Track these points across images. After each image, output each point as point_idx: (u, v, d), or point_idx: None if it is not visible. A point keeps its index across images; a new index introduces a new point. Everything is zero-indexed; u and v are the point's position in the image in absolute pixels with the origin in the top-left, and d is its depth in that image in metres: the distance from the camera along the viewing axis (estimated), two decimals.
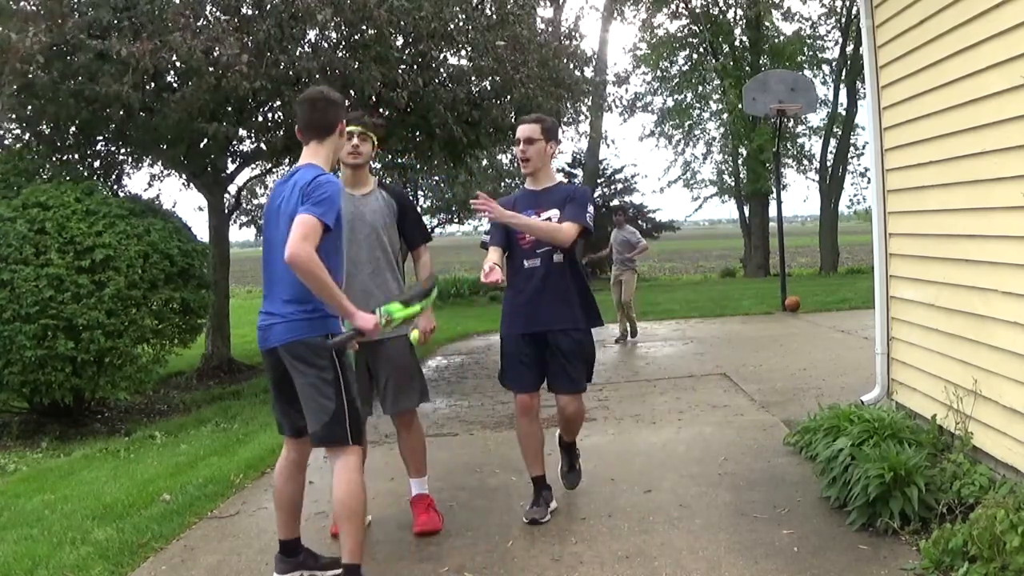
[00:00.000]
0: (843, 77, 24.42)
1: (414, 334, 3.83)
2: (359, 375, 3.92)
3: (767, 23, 25.61)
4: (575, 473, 4.30)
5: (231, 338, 10.60)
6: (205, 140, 8.88)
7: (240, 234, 73.31)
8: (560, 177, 4.16)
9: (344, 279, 3.87)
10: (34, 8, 7.50)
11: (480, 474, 4.91)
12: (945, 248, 4.18)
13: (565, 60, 10.21)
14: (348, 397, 3.17)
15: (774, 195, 18.92)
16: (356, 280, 3.86)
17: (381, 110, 8.83)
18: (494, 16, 9.40)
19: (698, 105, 27.66)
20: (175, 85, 8.36)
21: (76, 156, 9.34)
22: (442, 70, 9.21)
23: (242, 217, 14.53)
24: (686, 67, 27.25)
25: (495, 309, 18.61)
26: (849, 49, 23.76)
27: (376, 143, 4.02)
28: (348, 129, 3.82)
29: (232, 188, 11.64)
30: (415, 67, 8.82)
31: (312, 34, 8.61)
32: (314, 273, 2.95)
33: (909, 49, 4.42)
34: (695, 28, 26.13)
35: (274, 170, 12.28)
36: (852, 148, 25.20)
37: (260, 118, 9.26)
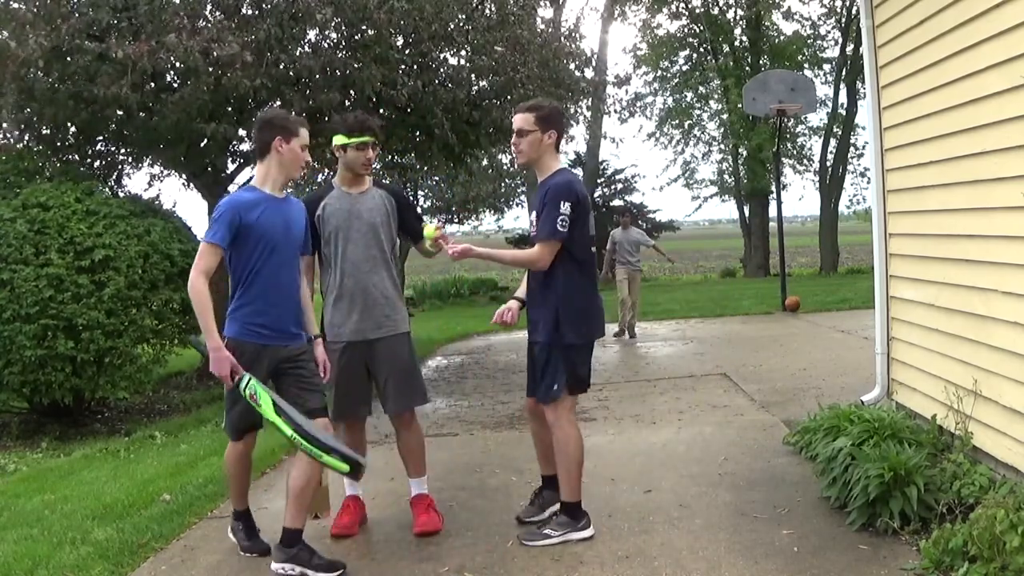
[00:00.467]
0: (843, 77, 24.41)
1: (431, 228, 3.71)
2: (357, 374, 3.93)
3: (767, 23, 25.62)
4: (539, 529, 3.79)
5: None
6: (205, 140, 8.87)
7: None
8: (559, 165, 3.76)
9: (337, 277, 3.87)
10: (33, 11, 7.49)
11: (480, 474, 4.91)
12: (945, 248, 4.18)
13: (565, 61, 10.20)
14: (227, 396, 3.55)
15: (774, 195, 18.93)
16: (353, 278, 3.86)
17: (381, 110, 8.83)
18: (494, 17, 9.40)
19: (698, 105, 27.67)
20: (174, 85, 8.36)
21: (76, 157, 9.34)
22: (442, 71, 9.20)
23: None
24: (686, 67, 27.26)
25: (495, 309, 18.60)
26: (849, 49, 23.76)
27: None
28: (363, 140, 3.83)
29: (232, 188, 11.63)
30: (415, 67, 8.82)
31: (312, 34, 8.61)
32: (192, 297, 3.39)
33: (909, 49, 4.42)
34: (695, 28, 26.14)
35: None
36: (852, 148, 25.22)
37: None
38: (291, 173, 3.61)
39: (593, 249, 3.85)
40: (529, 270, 3.79)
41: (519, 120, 3.72)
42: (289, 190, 3.88)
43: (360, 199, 3.92)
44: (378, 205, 3.94)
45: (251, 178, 3.79)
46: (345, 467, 3.34)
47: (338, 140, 3.87)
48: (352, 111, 8.54)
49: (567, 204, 3.57)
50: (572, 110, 11.64)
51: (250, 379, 3.35)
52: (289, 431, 3.29)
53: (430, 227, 3.72)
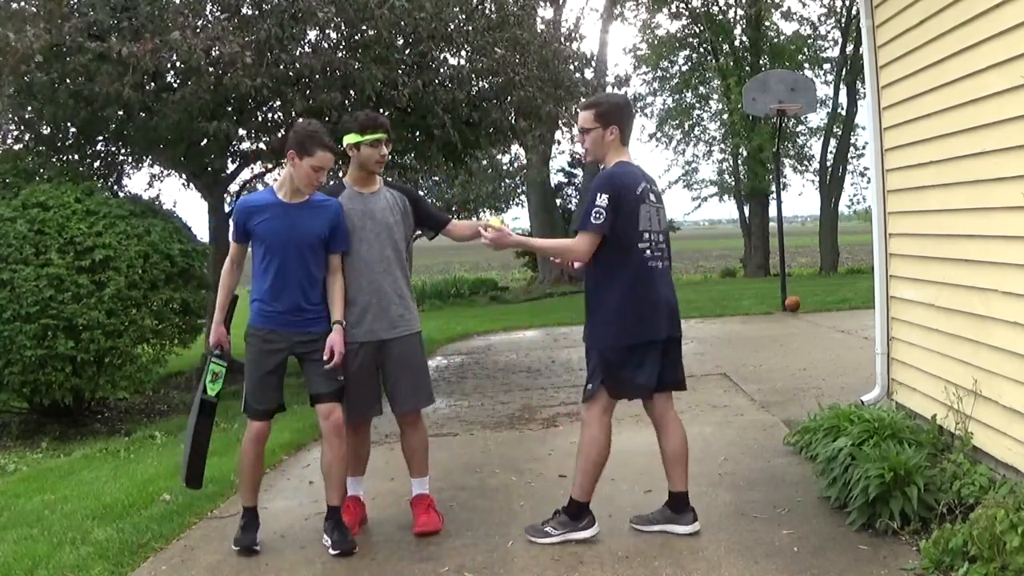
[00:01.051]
0: (843, 77, 24.41)
1: (497, 219, 3.75)
2: (369, 374, 3.94)
3: (767, 23, 25.61)
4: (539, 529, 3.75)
5: (232, 338, 10.57)
6: (205, 140, 8.87)
7: None
8: (618, 158, 3.65)
9: (351, 277, 3.89)
10: (33, 9, 7.50)
11: (480, 474, 4.91)
12: (945, 248, 4.18)
13: (565, 62, 10.20)
14: (245, 380, 3.85)
15: (774, 195, 18.92)
16: (367, 278, 3.87)
17: (381, 110, 8.83)
18: (494, 17, 9.40)
19: (698, 105, 27.66)
20: (175, 85, 8.36)
21: (76, 156, 9.34)
22: (442, 71, 9.21)
23: None
24: (686, 67, 27.26)
25: (495, 309, 18.68)
26: (849, 49, 23.75)
27: None
28: (377, 136, 3.86)
29: (233, 188, 11.63)
30: (415, 67, 8.82)
31: (312, 34, 8.61)
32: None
33: (909, 49, 4.42)
34: (695, 28, 26.13)
35: (274, 170, 12.28)
36: (852, 148, 25.21)
37: (260, 118, 9.26)
38: (300, 187, 3.78)
39: (659, 243, 3.63)
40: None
41: (581, 118, 3.70)
42: None
43: (372, 199, 3.92)
44: (391, 205, 3.94)
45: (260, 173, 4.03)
46: (182, 481, 3.98)
47: (351, 139, 3.87)
48: (353, 110, 8.57)
49: (604, 196, 3.48)
50: (572, 111, 11.64)
51: (213, 364, 3.93)
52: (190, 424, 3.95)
53: (496, 218, 3.77)
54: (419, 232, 4.33)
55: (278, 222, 3.76)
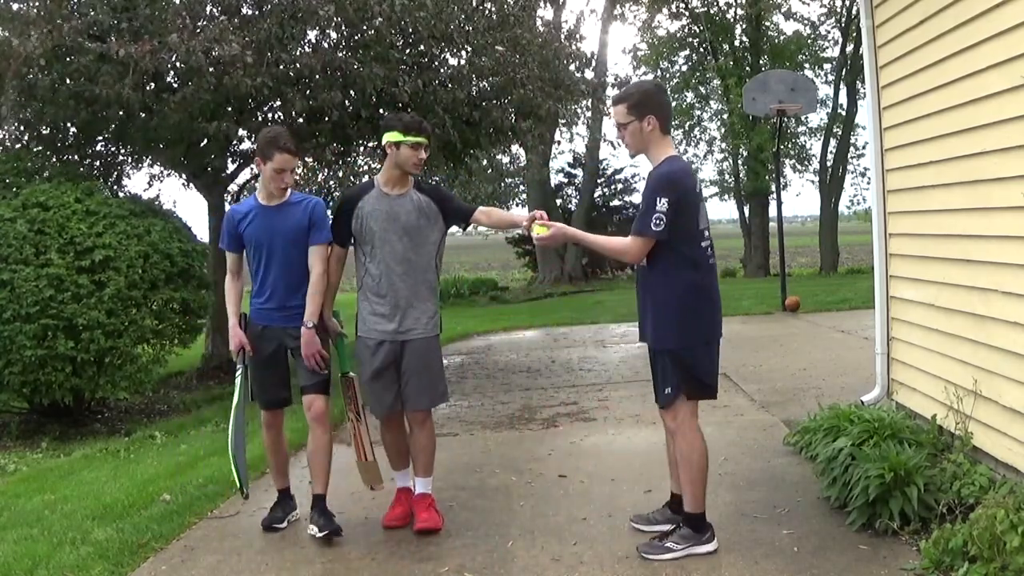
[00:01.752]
0: (843, 77, 24.42)
1: (540, 227, 3.66)
2: (390, 372, 3.96)
3: (767, 23, 25.61)
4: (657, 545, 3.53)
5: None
6: (205, 140, 8.88)
7: None
8: (668, 152, 3.49)
9: (371, 277, 3.92)
10: (35, 11, 7.50)
11: (480, 474, 4.91)
12: (945, 248, 4.18)
13: (565, 62, 10.20)
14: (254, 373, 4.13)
15: (774, 195, 18.92)
16: (387, 279, 3.88)
17: (381, 110, 8.83)
18: (494, 16, 9.39)
19: (698, 105, 27.66)
20: (175, 86, 8.36)
21: (76, 157, 9.34)
22: (442, 71, 9.21)
23: None
24: (686, 67, 27.25)
25: (495, 309, 18.66)
26: (849, 49, 23.76)
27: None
28: (419, 140, 3.86)
29: (232, 188, 11.63)
30: (415, 67, 8.82)
31: (312, 34, 8.61)
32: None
33: (909, 49, 4.43)
34: (695, 28, 26.13)
35: None
36: (852, 148, 25.22)
37: (260, 118, 9.26)
38: (269, 189, 4.00)
39: (705, 245, 3.53)
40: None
41: (615, 113, 3.54)
42: (300, 187, 3.96)
43: (399, 201, 3.90)
44: (417, 207, 3.91)
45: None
46: (235, 483, 4.07)
47: (392, 137, 3.84)
48: (353, 110, 8.57)
49: (664, 200, 3.34)
50: (571, 111, 11.63)
51: (241, 370, 4.10)
52: (230, 426, 4.12)
53: (539, 226, 3.67)
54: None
55: (259, 224, 3.98)
